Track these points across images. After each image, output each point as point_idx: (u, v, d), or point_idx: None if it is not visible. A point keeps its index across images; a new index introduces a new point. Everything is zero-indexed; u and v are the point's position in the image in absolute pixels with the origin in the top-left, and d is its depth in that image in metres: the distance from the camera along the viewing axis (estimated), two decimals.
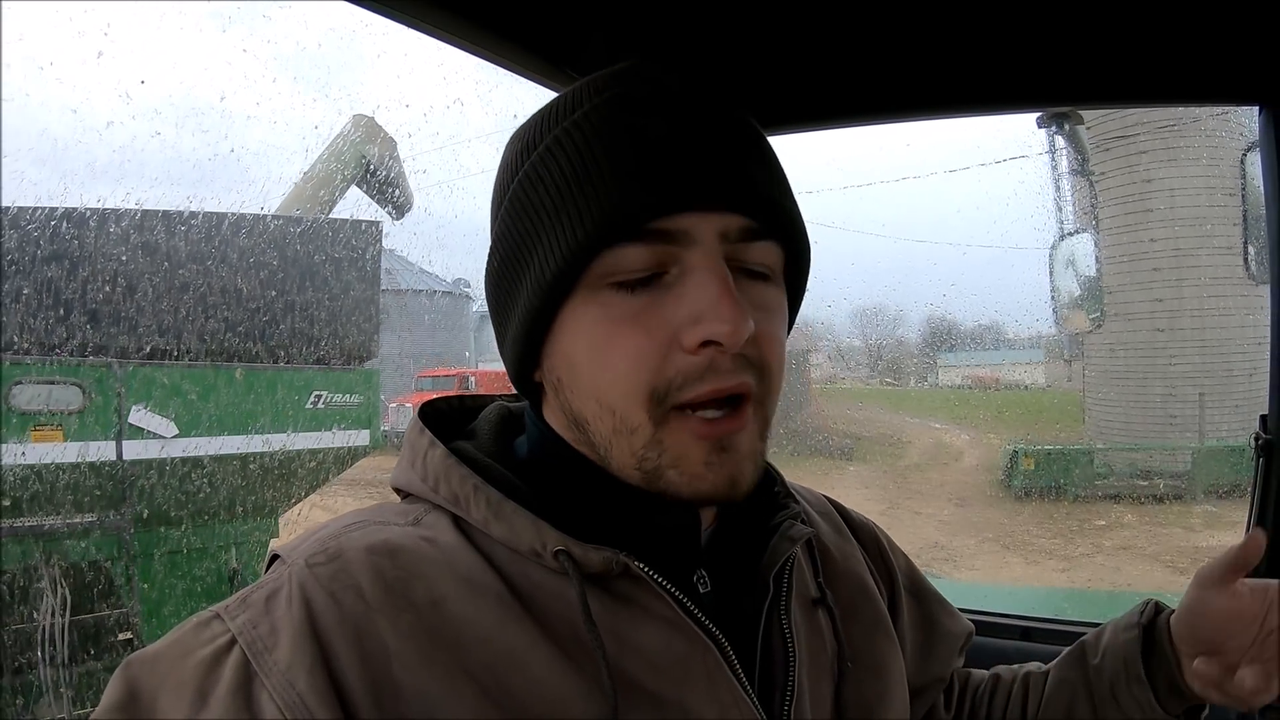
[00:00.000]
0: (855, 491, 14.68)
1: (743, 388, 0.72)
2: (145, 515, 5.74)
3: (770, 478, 0.90)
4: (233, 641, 0.65)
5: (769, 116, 1.46)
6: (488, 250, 0.81)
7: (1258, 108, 1.41)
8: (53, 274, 5.45)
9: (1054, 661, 1.10)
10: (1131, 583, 9.78)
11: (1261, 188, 1.51)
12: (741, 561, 0.83)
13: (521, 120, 0.82)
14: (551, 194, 0.72)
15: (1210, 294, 11.83)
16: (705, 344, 0.69)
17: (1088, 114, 10.77)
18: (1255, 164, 1.57)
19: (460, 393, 0.94)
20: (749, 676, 0.77)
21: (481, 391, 0.98)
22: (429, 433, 0.80)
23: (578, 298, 0.72)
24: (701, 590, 0.79)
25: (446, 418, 0.87)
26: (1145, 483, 12.42)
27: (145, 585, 5.77)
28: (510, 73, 1.30)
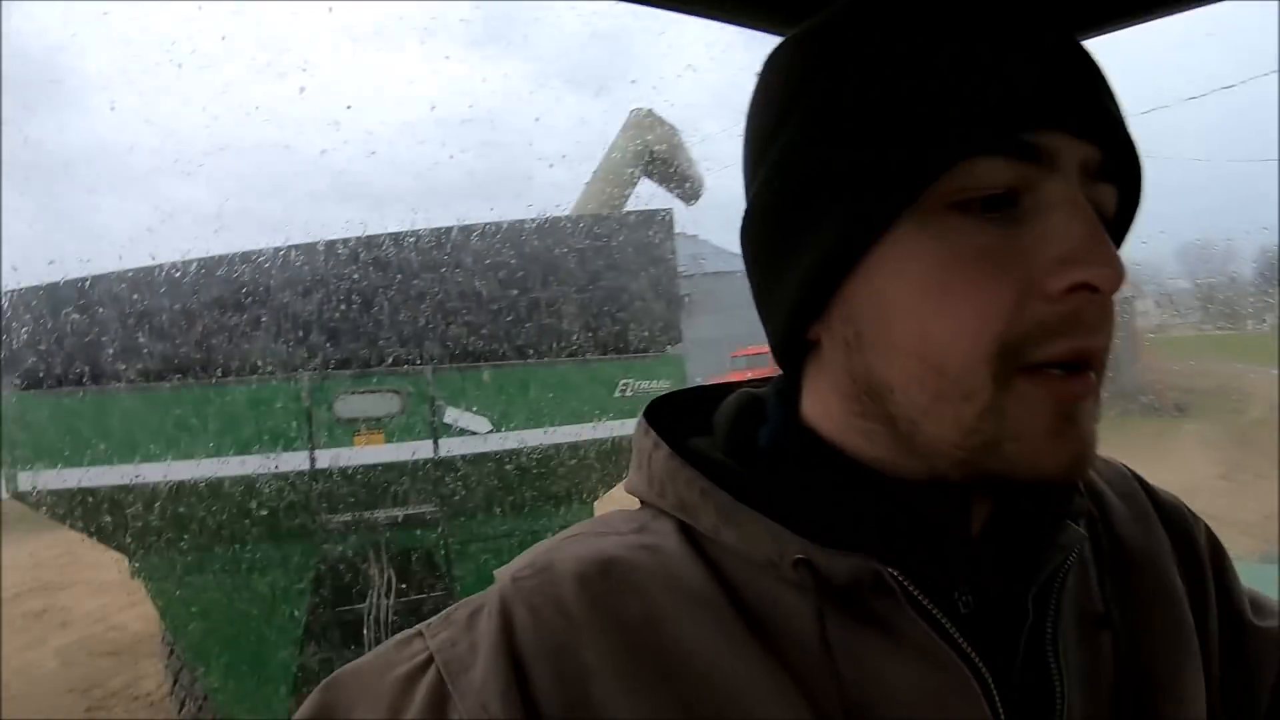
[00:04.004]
0: (1194, 453, 13.36)
1: (1099, 349, 0.61)
2: (467, 507, 6.25)
3: None
4: (430, 660, 0.63)
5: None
6: (757, 179, 0.68)
7: None
8: (371, 291, 6.05)
9: None
10: None
11: None
12: (1013, 577, 0.69)
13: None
14: (883, 93, 0.60)
15: None
16: (1073, 290, 0.58)
17: None
18: None
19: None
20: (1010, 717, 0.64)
21: None
22: (653, 433, 0.74)
23: (907, 225, 0.60)
24: (963, 611, 0.66)
25: (683, 413, 0.78)
26: None
27: (463, 572, 6.20)
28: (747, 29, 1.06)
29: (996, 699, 0.63)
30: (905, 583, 0.63)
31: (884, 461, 0.66)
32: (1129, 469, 0.89)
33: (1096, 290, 0.59)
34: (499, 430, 6.17)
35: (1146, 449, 13.57)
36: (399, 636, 0.67)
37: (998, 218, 0.60)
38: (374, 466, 5.85)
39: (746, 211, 0.70)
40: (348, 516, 5.76)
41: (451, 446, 6.00)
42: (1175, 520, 0.87)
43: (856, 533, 0.64)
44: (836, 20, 0.65)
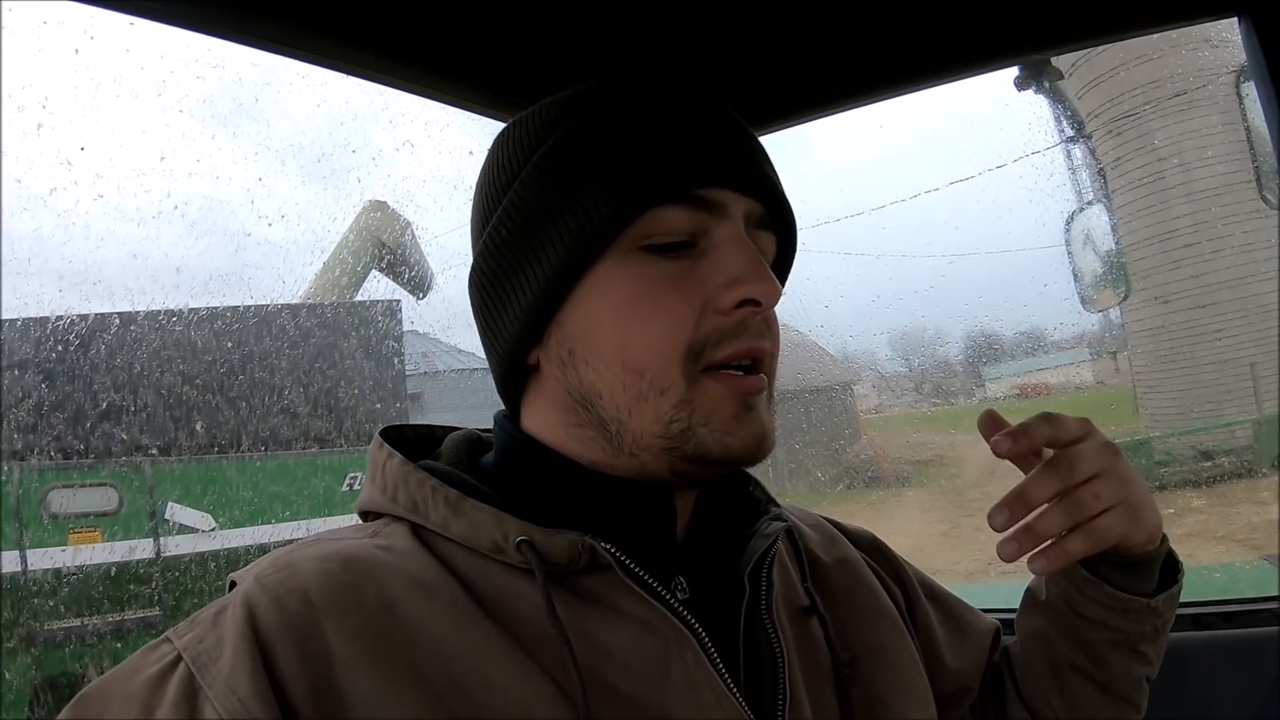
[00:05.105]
0: (916, 516, 14.52)
1: (765, 350, 0.76)
2: (192, 610, 5.66)
3: (748, 481, 0.90)
4: (179, 659, 0.64)
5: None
6: (487, 228, 0.79)
7: (1236, 19, 1.33)
8: (82, 380, 5.64)
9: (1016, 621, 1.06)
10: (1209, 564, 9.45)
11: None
12: (721, 568, 0.81)
13: (479, 155, 0.84)
14: (593, 157, 0.74)
15: (1245, 260, 11.48)
16: (740, 305, 0.73)
17: (1089, 97, 10.74)
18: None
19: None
20: (734, 681, 0.73)
21: None
22: (387, 446, 0.79)
23: (608, 260, 0.73)
24: (680, 596, 0.76)
25: (414, 444, 0.85)
26: (1209, 464, 11.92)
27: None
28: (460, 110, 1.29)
29: (716, 655, 0.72)
30: (623, 558, 0.71)
31: (600, 464, 0.76)
32: (820, 515, 1.06)
33: (759, 304, 0.73)
34: (224, 527, 5.82)
35: (875, 516, 14.50)
36: (147, 645, 0.68)
37: (679, 257, 0.74)
38: (91, 567, 5.31)
39: (476, 257, 0.81)
40: (65, 623, 5.21)
41: (174, 545, 5.59)
42: (863, 539, 1.05)
43: (574, 520, 0.72)
44: (555, 105, 0.79)
